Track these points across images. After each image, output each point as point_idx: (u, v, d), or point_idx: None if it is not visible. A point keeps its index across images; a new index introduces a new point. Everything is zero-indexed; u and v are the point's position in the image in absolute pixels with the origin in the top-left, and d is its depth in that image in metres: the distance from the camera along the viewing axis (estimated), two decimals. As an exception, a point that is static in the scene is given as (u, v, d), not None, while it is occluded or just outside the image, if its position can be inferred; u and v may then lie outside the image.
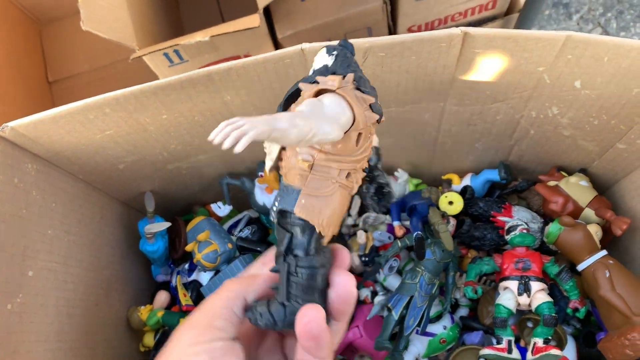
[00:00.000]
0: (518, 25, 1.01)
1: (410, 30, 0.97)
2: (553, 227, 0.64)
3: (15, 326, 0.49)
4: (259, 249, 0.72)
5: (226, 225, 0.75)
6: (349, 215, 0.75)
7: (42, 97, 1.27)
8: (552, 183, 0.69)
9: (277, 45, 0.96)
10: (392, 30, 0.99)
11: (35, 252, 0.52)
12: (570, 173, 0.70)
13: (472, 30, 0.48)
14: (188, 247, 0.67)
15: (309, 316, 0.31)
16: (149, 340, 0.71)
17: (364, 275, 0.75)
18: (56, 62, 1.29)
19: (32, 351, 0.51)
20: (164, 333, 0.68)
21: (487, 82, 0.55)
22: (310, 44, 0.48)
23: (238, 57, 0.95)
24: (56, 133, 0.51)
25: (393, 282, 0.71)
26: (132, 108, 0.51)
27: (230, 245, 0.67)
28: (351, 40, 0.48)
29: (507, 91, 0.57)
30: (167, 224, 0.68)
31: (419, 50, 0.50)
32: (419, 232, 0.65)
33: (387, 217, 0.74)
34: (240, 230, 0.74)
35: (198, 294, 0.69)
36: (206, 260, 0.65)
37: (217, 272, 0.69)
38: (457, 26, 1.00)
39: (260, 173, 0.70)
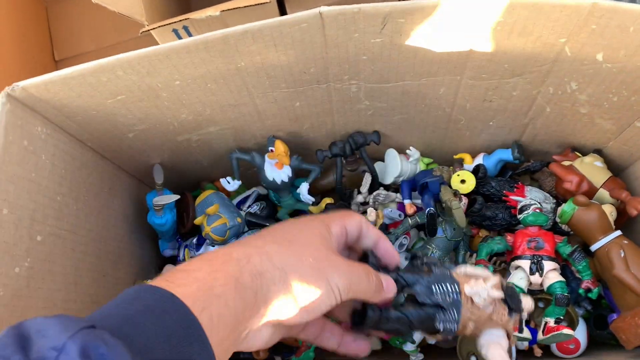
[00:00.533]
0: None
1: None
2: (567, 207, 0.63)
3: (23, 290, 0.48)
4: (267, 224, 0.72)
5: (235, 201, 0.75)
6: (359, 192, 0.74)
7: (47, 75, 1.26)
8: (566, 163, 0.68)
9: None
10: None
11: (44, 217, 0.51)
12: (584, 154, 0.70)
13: (493, -3, 0.47)
14: (197, 221, 0.66)
15: None
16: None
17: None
18: (63, 41, 1.28)
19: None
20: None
21: (506, 53, 0.54)
22: (328, 7, 0.47)
23: (248, 35, 0.93)
24: (67, 96, 0.50)
25: (402, 260, 0.71)
26: (145, 71, 0.50)
27: (239, 220, 0.66)
28: (370, 5, 0.47)
29: (526, 64, 0.56)
30: (176, 197, 0.68)
31: (438, 18, 0.49)
32: (431, 209, 0.64)
33: (398, 195, 0.73)
34: (249, 207, 0.74)
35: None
36: (215, 233, 0.65)
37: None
38: None
39: (270, 148, 0.69)
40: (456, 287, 0.49)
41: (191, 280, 0.32)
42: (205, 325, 0.30)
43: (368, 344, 0.46)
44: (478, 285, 0.50)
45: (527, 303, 0.60)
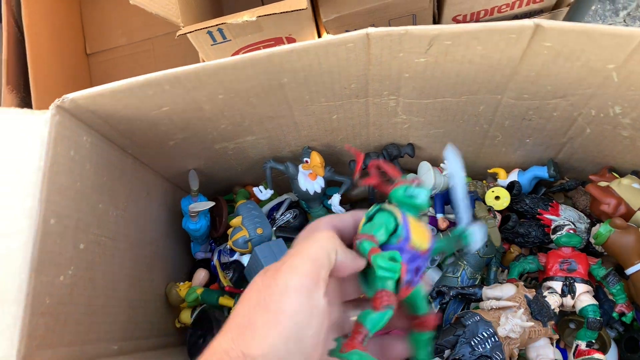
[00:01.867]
0: (567, 20, 0.98)
1: (455, 20, 0.95)
2: (603, 229, 0.63)
3: (66, 298, 0.49)
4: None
5: (268, 207, 0.75)
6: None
7: (79, 69, 1.28)
8: (602, 184, 0.68)
9: (318, 29, 0.95)
10: (437, 19, 0.97)
11: (86, 226, 0.53)
12: (621, 174, 0.69)
13: (544, 22, 0.46)
14: (229, 231, 0.67)
15: None
16: (186, 317, 0.72)
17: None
18: (94, 35, 1.30)
19: (81, 323, 0.52)
20: (201, 311, 0.69)
21: (550, 77, 0.54)
22: (375, 29, 0.47)
23: (280, 39, 0.94)
24: (113, 107, 0.51)
25: (432, 274, 0.71)
26: (191, 86, 0.50)
27: (259, 231, 0.66)
28: (417, 27, 0.47)
29: (569, 87, 0.55)
30: (211, 204, 0.68)
31: (486, 41, 0.49)
32: (466, 226, 0.64)
33: (430, 209, 0.73)
34: (282, 214, 0.74)
35: (239, 275, 0.69)
36: (236, 246, 0.66)
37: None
38: (502, 19, 0.98)
39: (305, 159, 0.70)
40: (491, 330, 0.52)
41: None
42: None
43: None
44: (509, 323, 0.51)
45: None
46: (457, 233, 0.38)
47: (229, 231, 0.69)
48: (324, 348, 0.34)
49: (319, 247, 0.34)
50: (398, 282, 0.34)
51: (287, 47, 0.48)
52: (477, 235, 0.38)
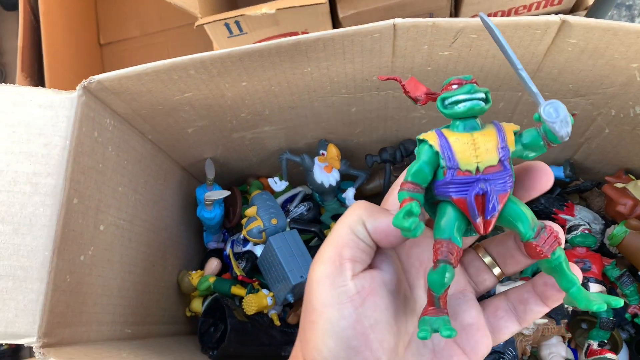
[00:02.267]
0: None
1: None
2: (619, 229, 0.63)
3: (86, 277, 0.50)
4: (312, 229, 0.72)
5: (282, 199, 0.75)
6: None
7: (92, 59, 1.28)
8: (618, 185, 0.68)
9: (334, 25, 0.95)
10: (454, 16, 0.98)
11: (107, 207, 0.53)
12: (638, 177, 0.69)
13: (571, 18, 0.46)
14: (243, 221, 0.68)
15: None
16: (197, 305, 0.72)
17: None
18: (108, 26, 1.31)
19: (98, 304, 0.52)
20: (213, 300, 0.69)
21: (574, 74, 0.54)
22: (403, 20, 0.47)
23: (296, 34, 0.94)
24: (138, 90, 0.51)
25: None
26: (216, 72, 0.50)
27: (274, 221, 0.66)
28: (445, 19, 0.47)
29: (591, 86, 0.55)
30: (227, 192, 0.68)
31: (511, 35, 0.49)
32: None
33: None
34: (296, 206, 0.74)
35: (252, 265, 0.69)
36: (250, 235, 0.66)
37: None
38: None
39: (322, 151, 0.70)
40: None
41: None
42: None
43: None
44: None
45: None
46: (537, 117, 0.31)
47: (243, 221, 0.69)
48: (396, 332, 0.32)
49: (341, 225, 0.32)
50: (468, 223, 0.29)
51: (313, 35, 0.48)
52: (559, 112, 0.30)
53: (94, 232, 0.51)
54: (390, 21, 0.47)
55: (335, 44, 0.50)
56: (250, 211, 0.67)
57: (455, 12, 0.96)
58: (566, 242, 0.68)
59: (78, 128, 0.47)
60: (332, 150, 0.67)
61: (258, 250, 0.70)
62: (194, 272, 0.71)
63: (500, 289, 0.62)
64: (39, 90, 0.47)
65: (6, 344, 1.05)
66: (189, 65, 0.49)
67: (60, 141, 0.46)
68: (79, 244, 0.48)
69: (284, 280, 0.64)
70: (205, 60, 0.48)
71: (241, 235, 0.72)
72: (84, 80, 0.48)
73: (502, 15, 0.95)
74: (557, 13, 0.96)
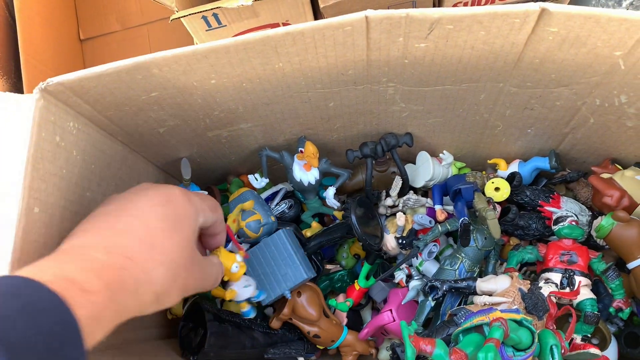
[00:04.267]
0: (570, 8, 0.96)
1: (456, 7, 0.93)
2: (605, 221, 0.61)
3: (52, 288, 0.48)
4: (287, 227, 0.70)
5: (262, 196, 0.73)
6: (388, 195, 0.73)
7: (73, 54, 1.25)
8: (605, 175, 0.66)
9: (316, 16, 0.93)
10: (437, 5, 0.95)
11: (73, 215, 0.51)
12: (624, 166, 0.67)
13: (550, 6, 0.44)
14: (231, 215, 0.65)
15: None
16: (178, 308, 0.70)
17: (399, 258, 0.73)
18: (88, 21, 1.28)
19: (67, 314, 0.50)
20: (193, 302, 0.67)
21: (556, 64, 0.52)
22: (375, 12, 0.45)
23: (277, 25, 0.92)
24: (100, 92, 0.49)
25: (429, 267, 0.69)
26: (181, 70, 0.48)
27: (272, 218, 0.65)
28: (419, 10, 0.45)
29: (574, 75, 0.53)
30: (204, 193, 0.66)
31: (489, 25, 0.47)
32: (465, 218, 0.63)
33: (428, 200, 0.71)
34: (277, 204, 0.72)
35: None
36: (249, 228, 0.64)
37: (251, 245, 0.67)
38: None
39: (300, 149, 0.68)
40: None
41: (88, 305, 0.33)
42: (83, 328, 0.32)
43: None
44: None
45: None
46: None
47: (237, 215, 0.66)
48: None
49: None
50: None
51: (281, 30, 0.46)
52: None
53: (60, 241, 0.48)
54: (362, 13, 0.45)
55: (306, 38, 0.47)
56: (248, 205, 0.66)
57: (439, 1, 0.94)
58: (552, 235, 0.67)
59: (37, 133, 0.44)
60: (309, 148, 0.65)
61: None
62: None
63: (481, 285, 0.60)
64: (-7, 94, 0.44)
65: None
66: (151, 65, 0.46)
67: (19, 148, 0.44)
68: (42, 255, 0.45)
69: (291, 274, 0.63)
70: (169, 59, 0.46)
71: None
72: (41, 83, 0.45)
73: (486, 2, 0.93)
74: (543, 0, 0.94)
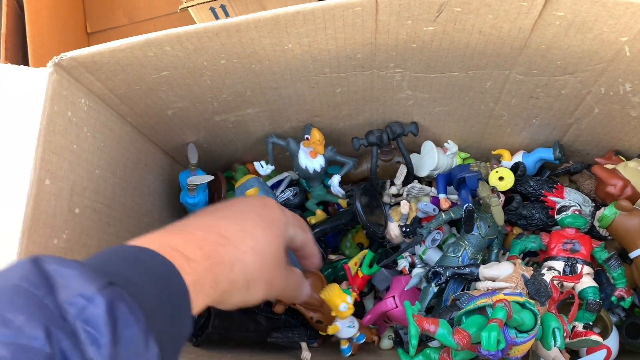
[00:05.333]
0: None
1: None
2: (608, 211, 0.62)
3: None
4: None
5: (268, 183, 0.74)
6: (392, 184, 0.73)
7: (80, 47, 1.26)
8: (608, 166, 0.67)
9: (323, 9, 0.93)
10: None
11: (82, 190, 0.51)
12: (628, 158, 0.68)
13: (558, -10, 0.45)
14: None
15: None
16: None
17: (402, 246, 0.74)
18: (96, 14, 1.29)
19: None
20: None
21: (562, 50, 0.52)
22: (385, -8, 0.46)
23: (284, 18, 0.92)
24: (112, 68, 0.49)
25: (432, 255, 0.70)
26: (193, 48, 0.49)
27: None
28: (428, -8, 0.45)
29: (580, 62, 0.54)
30: (210, 177, 0.67)
31: (497, 9, 0.47)
32: (470, 204, 0.63)
33: (432, 189, 0.72)
34: (282, 191, 0.73)
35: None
36: None
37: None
38: None
39: (306, 136, 0.68)
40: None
41: (191, 271, 0.34)
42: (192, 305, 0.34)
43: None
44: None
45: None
46: None
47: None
48: None
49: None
50: None
51: (292, 8, 0.46)
52: None
53: (69, 215, 0.49)
54: (372, -7, 0.46)
55: (316, 18, 0.48)
56: (252, 191, 0.66)
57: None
58: (555, 225, 0.67)
59: (49, 106, 0.45)
60: (316, 135, 0.66)
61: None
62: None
63: (484, 271, 0.61)
64: (7, 66, 0.45)
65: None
66: (164, 41, 0.47)
67: (31, 120, 0.44)
68: (51, 226, 0.46)
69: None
70: (181, 35, 0.47)
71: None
72: (55, 57, 0.46)
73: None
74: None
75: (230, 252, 0.39)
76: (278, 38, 0.50)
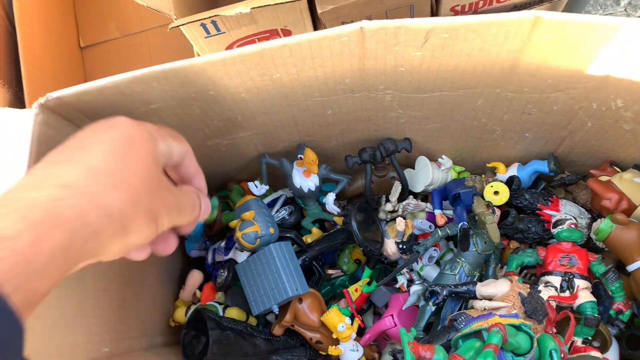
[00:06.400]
0: (567, 10, 0.96)
1: (453, 11, 0.93)
2: (604, 224, 0.61)
3: (54, 300, 0.48)
4: (289, 235, 0.70)
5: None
6: (388, 200, 0.73)
7: (73, 62, 1.26)
8: (603, 178, 0.66)
9: (315, 21, 0.93)
10: (435, 10, 0.95)
11: (75, 226, 0.51)
12: (622, 168, 0.67)
13: (545, 14, 0.45)
14: (232, 224, 0.66)
15: None
16: (181, 315, 0.71)
17: (400, 263, 0.74)
18: (88, 28, 1.29)
19: (70, 325, 0.51)
20: (195, 310, 0.68)
21: (552, 70, 0.52)
22: (370, 22, 0.46)
23: (276, 31, 0.92)
24: (100, 105, 0.49)
25: (430, 271, 0.70)
26: (179, 82, 0.49)
27: (272, 230, 0.65)
28: (413, 20, 0.45)
29: (571, 80, 0.54)
30: (204, 202, 0.67)
31: (484, 34, 0.47)
32: (465, 222, 0.63)
33: (428, 204, 0.72)
34: (277, 210, 0.73)
35: (235, 274, 0.68)
36: (245, 239, 0.64)
37: (252, 252, 0.68)
38: (501, 10, 0.96)
39: (299, 155, 0.68)
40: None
41: (8, 253, 0.27)
42: (18, 307, 0.26)
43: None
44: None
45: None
46: None
47: (234, 223, 0.67)
48: None
49: None
50: None
51: (278, 42, 0.46)
52: None
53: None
54: (357, 24, 0.46)
55: (303, 50, 0.48)
56: (248, 215, 0.66)
57: (436, 3, 0.94)
58: (551, 238, 0.67)
59: (37, 147, 0.45)
60: (309, 155, 0.66)
61: (240, 257, 0.69)
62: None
63: (481, 289, 0.60)
64: (-7, 110, 0.45)
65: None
66: (150, 78, 0.47)
67: (19, 163, 0.44)
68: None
69: (276, 290, 0.63)
70: (167, 72, 0.47)
71: (222, 244, 0.71)
72: (40, 98, 0.46)
73: (484, 4, 0.93)
74: (539, 0, 0.94)
75: (75, 202, 0.31)
76: (265, 69, 0.50)
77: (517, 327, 0.51)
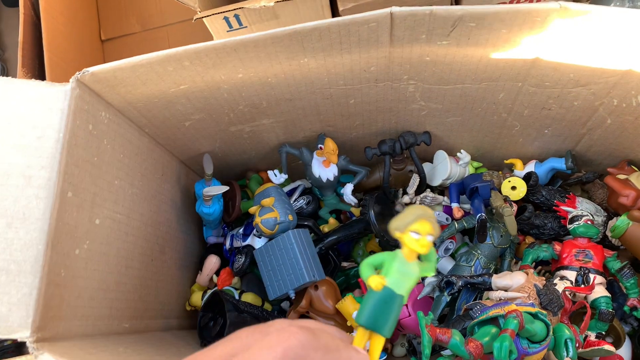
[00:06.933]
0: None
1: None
2: (621, 221, 0.62)
3: (81, 272, 0.49)
4: (306, 223, 0.71)
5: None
6: (405, 193, 0.74)
7: (94, 54, 1.28)
8: (621, 176, 0.67)
9: (335, 18, 0.94)
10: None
11: (102, 201, 0.52)
12: (640, 168, 0.68)
13: (571, 5, 0.46)
14: (252, 210, 0.67)
15: None
16: (197, 299, 0.72)
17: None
18: (110, 22, 1.31)
19: (94, 298, 0.52)
20: (212, 294, 0.68)
21: (574, 63, 0.53)
22: (400, 8, 0.47)
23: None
24: (132, 83, 0.51)
25: (445, 264, 0.70)
26: (211, 63, 0.50)
27: (290, 217, 0.66)
28: (443, 7, 0.46)
29: (593, 75, 0.54)
30: (225, 188, 0.68)
31: (510, 23, 0.48)
32: (482, 214, 0.63)
33: (445, 198, 0.72)
34: (295, 200, 0.74)
35: (252, 260, 0.69)
36: (264, 225, 0.65)
37: (270, 239, 0.68)
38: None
39: (320, 145, 0.69)
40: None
41: None
42: None
43: None
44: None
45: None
46: None
47: (257, 210, 0.68)
48: None
49: None
50: None
51: (309, 24, 0.47)
52: None
53: (89, 225, 0.50)
54: (387, 9, 0.47)
55: (332, 34, 0.49)
56: (268, 201, 0.67)
57: (457, 3, 0.95)
58: (567, 234, 0.68)
59: (72, 121, 0.46)
60: (329, 145, 0.67)
61: (257, 243, 0.70)
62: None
63: (496, 281, 0.61)
64: (32, 82, 0.46)
65: (10, 339, 1.06)
66: (183, 57, 0.48)
67: (54, 134, 0.45)
68: (73, 237, 0.48)
69: (293, 276, 0.64)
70: (200, 51, 0.48)
71: (240, 230, 0.72)
72: (77, 73, 0.47)
73: (503, 7, 0.94)
74: None
75: None
76: (294, 52, 0.51)
77: (534, 315, 0.52)
